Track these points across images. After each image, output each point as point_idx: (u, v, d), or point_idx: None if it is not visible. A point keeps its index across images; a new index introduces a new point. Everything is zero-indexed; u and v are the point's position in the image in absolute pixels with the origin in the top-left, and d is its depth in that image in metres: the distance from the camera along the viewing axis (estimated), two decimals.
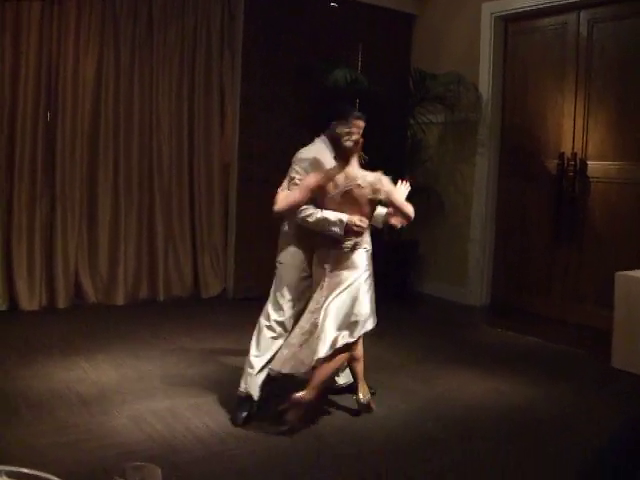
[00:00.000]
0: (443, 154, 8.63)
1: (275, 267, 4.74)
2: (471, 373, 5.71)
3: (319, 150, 4.71)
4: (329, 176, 4.46)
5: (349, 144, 4.46)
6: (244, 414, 4.50)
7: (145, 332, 6.52)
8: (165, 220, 7.91)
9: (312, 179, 4.49)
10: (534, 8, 7.82)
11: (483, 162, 8.33)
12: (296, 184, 4.55)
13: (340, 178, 4.45)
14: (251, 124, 8.08)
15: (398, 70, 8.94)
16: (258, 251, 8.15)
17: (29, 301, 7.08)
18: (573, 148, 7.58)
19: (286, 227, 4.73)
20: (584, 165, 7.50)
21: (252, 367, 4.63)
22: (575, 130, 7.58)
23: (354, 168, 4.50)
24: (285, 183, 4.67)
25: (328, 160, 4.59)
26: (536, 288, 8.01)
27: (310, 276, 4.64)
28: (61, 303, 7.26)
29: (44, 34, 7.05)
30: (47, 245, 7.28)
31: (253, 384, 4.59)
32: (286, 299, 4.64)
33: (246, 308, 7.65)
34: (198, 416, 4.54)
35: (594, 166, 7.45)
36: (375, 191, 4.46)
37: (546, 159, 7.88)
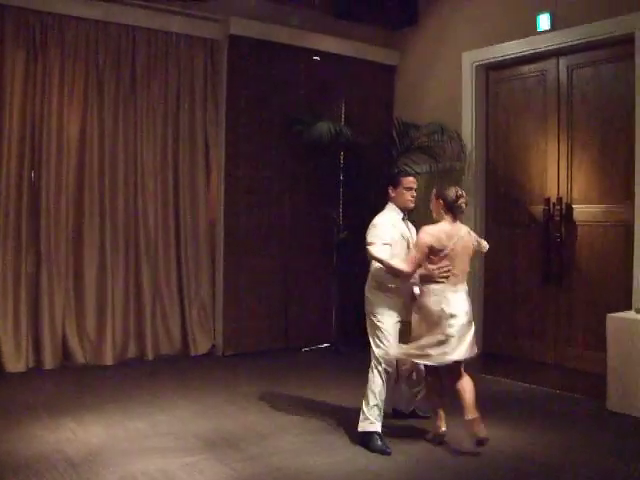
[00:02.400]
0: (430, 204, 8.56)
1: None
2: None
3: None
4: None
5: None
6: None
7: (134, 391, 6.42)
8: (152, 278, 7.85)
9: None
10: (514, 56, 7.93)
11: (470, 210, 8.25)
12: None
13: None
14: (236, 179, 8.08)
15: (381, 121, 9.00)
16: (247, 306, 8.12)
17: (15, 362, 6.98)
18: (558, 193, 7.62)
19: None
20: (570, 209, 7.53)
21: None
22: (559, 175, 7.64)
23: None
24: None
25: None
26: (528, 334, 7.96)
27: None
28: (48, 364, 7.16)
29: (28, 89, 7.11)
30: (33, 306, 7.21)
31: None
32: None
33: (237, 365, 7.63)
34: (192, 476, 4.44)
35: (580, 210, 7.48)
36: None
37: (532, 204, 7.91)
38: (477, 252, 5.37)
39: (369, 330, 5.23)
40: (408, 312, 5.16)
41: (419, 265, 4.94)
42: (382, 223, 5.18)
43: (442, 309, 4.90)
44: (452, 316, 4.89)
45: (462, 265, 5.06)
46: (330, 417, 5.63)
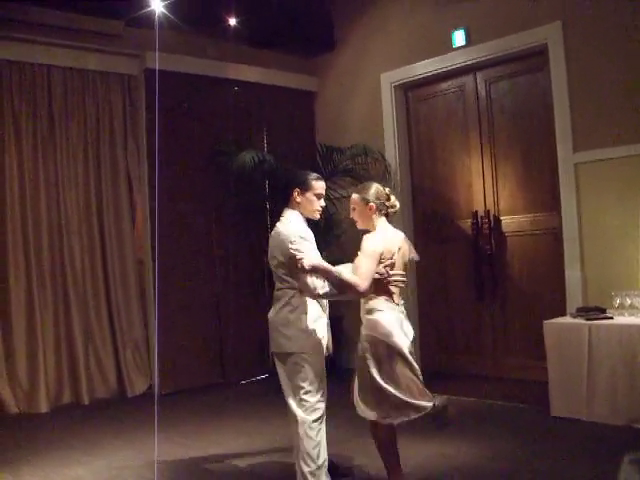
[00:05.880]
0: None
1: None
2: (412, 440, 5.53)
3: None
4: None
5: None
6: None
7: (72, 438, 6.18)
8: (83, 320, 7.65)
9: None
10: (432, 74, 8.03)
11: (398, 228, 8.30)
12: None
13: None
14: (162, 214, 7.91)
15: (305, 147, 8.99)
16: (181, 343, 7.99)
17: None
18: (485, 206, 7.69)
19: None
20: (498, 221, 7.61)
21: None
22: (485, 188, 7.72)
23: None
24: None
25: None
26: (466, 349, 7.99)
27: None
28: None
29: None
30: None
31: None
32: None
33: (174, 403, 7.45)
34: None
35: (507, 221, 7.57)
36: None
37: (460, 219, 7.98)
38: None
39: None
40: None
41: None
42: (309, 234, 4.38)
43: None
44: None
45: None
46: (274, 449, 5.52)
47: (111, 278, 7.89)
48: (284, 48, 9.02)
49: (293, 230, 4.30)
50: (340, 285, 4.11)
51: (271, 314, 4.47)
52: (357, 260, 4.19)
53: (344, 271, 4.18)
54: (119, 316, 7.91)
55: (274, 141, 8.81)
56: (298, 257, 4.11)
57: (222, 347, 8.38)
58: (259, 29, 8.47)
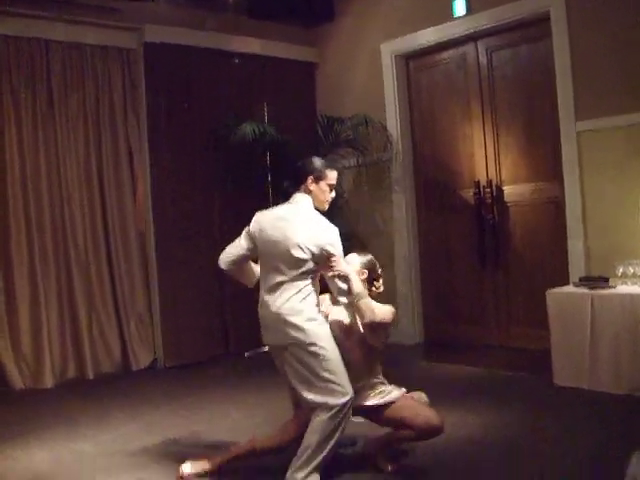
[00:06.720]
0: (359, 197, 8.59)
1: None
2: None
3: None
4: None
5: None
6: None
7: (77, 412, 6.20)
8: (86, 294, 7.64)
9: None
10: (432, 43, 7.96)
11: (400, 200, 8.33)
12: None
13: None
14: (163, 187, 7.95)
15: (306, 118, 8.93)
16: (185, 315, 8.00)
17: None
18: (487, 175, 7.67)
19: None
20: (500, 190, 7.59)
21: None
22: (487, 157, 7.69)
23: None
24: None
25: None
26: (469, 318, 8.00)
27: None
28: None
29: None
30: None
31: None
32: None
33: (178, 376, 7.48)
34: None
35: (510, 190, 7.55)
36: None
37: (462, 189, 7.96)
38: None
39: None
40: None
41: None
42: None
43: None
44: None
45: None
46: (275, 421, 5.51)
47: (113, 251, 7.88)
48: (284, 19, 8.93)
49: (327, 225, 4.24)
50: (357, 305, 4.11)
51: (276, 306, 4.21)
52: (379, 306, 4.21)
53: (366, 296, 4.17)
54: (122, 289, 7.91)
55: (275, 113, 8.74)
56: (334, 259, 4.08)
57: (225, 319, 8.40)
58: (258, 0, 8.41)
